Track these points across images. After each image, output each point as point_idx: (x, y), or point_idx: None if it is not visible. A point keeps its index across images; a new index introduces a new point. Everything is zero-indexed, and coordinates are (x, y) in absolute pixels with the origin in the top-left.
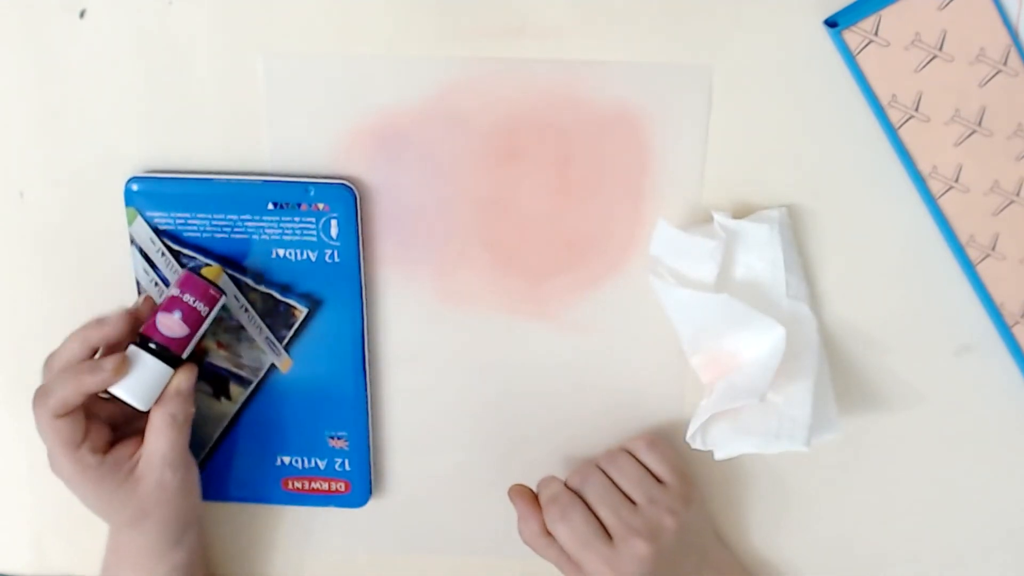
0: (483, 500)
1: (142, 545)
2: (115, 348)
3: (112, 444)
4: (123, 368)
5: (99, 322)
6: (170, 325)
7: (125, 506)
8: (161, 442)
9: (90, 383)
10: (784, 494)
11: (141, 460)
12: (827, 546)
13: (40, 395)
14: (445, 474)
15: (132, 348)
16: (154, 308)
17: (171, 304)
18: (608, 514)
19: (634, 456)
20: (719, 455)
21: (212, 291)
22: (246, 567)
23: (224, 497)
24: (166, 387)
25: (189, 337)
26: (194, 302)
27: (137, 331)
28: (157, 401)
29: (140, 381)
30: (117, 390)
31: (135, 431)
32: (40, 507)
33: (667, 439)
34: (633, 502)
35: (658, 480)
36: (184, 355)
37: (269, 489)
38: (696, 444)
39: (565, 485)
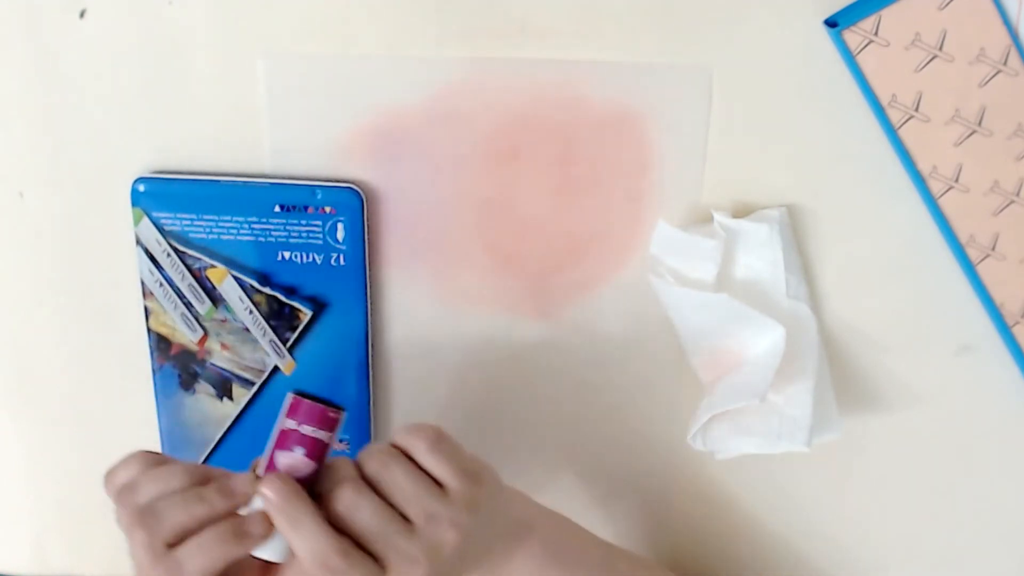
0: None
1: None
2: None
3: None
4: (271, 530)
5: (224, 492)
6: (294, 465)
7: None
8: None
9: (238, 552)
10: (784, 494)
11: None
12: (827, 546)
13: (170, 565)
14: None
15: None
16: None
17: (289, 439)
18: (381, 546)
19: (411, 457)
20: (720, 456)
21: (331, 413)
22: None
23: None
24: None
25: (316, 472)
26: (314, 432)
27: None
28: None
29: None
30: (258, 551)
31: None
32: (40, 507)
33: (448, 435)
34: (410, 520)
35: (439, 483)
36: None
37: None
38: (697, 445)
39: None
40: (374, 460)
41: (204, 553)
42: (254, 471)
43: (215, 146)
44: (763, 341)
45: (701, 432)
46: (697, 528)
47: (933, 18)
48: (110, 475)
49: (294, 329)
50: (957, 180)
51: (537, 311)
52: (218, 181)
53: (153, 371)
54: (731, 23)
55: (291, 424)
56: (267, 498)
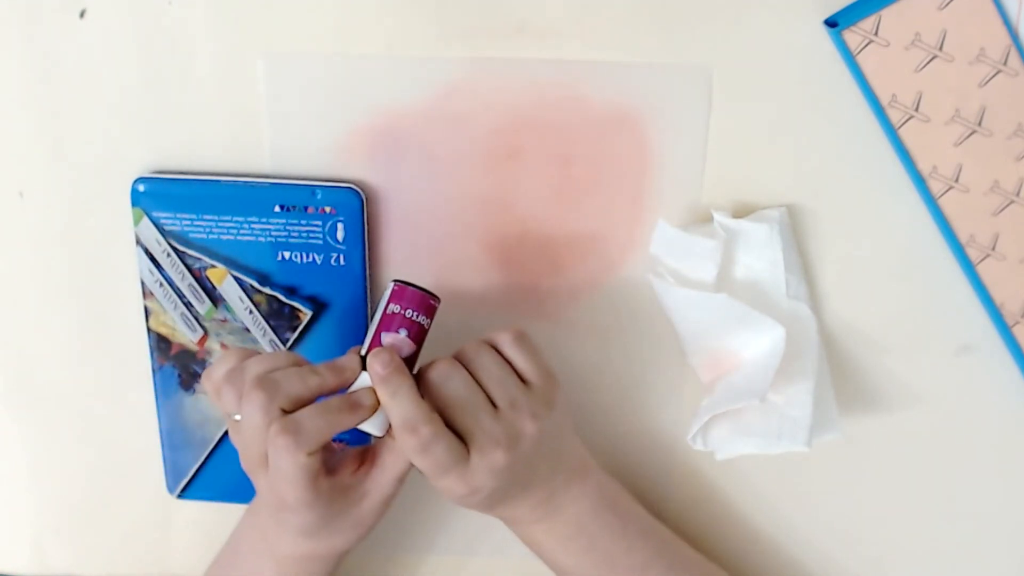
0: None
1: (313, 552)
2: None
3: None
4: (378, 404)
5: (334, 368)
6: (397, 345)
7: (343, 523)
8: (402, 462)
9: (350, 421)
10: (783, 495)
11: (371, 479)
12: (827, 546)
13: (289, 432)
14: None
15: (364, 375)
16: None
17: (393, 322)
18: (468, 421)
19: (498, 350)
20: (720, 456)
21: (431, 300)
22: None
23: (225, 498)
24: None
25: (416, 355)
26: (416, 316)
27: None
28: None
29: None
30: (363, 424)
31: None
32: (40, 507)
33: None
34: (495, 405)
35: (522, 378)
36: (413, 373)
37: None
38: (697, 445)
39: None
40: (467, 346)
41: (321, 417)
42: (357, 353)
43: (215, 146)
44: (763, 341)
45: (701, 432)
46: (696, 528)
47: (933, 18)
48: (211, 371)
49: (294, 329)
50: (957, 180)
51: (537, 311)
52: (218, 181)
53: (153, 371)
54: (731, 23)
55: (395, 308)
56: (374, 370)
